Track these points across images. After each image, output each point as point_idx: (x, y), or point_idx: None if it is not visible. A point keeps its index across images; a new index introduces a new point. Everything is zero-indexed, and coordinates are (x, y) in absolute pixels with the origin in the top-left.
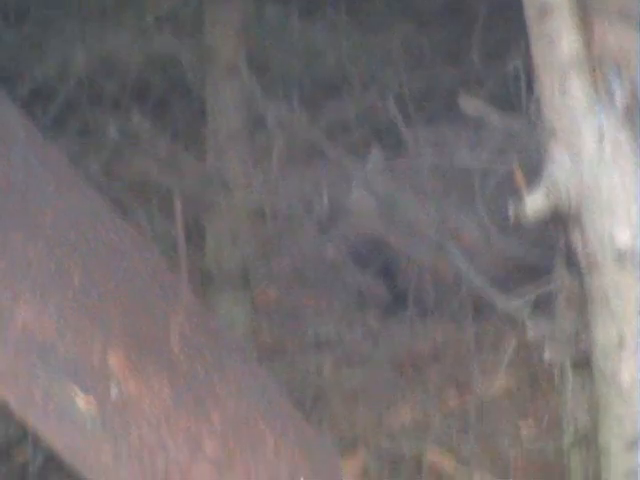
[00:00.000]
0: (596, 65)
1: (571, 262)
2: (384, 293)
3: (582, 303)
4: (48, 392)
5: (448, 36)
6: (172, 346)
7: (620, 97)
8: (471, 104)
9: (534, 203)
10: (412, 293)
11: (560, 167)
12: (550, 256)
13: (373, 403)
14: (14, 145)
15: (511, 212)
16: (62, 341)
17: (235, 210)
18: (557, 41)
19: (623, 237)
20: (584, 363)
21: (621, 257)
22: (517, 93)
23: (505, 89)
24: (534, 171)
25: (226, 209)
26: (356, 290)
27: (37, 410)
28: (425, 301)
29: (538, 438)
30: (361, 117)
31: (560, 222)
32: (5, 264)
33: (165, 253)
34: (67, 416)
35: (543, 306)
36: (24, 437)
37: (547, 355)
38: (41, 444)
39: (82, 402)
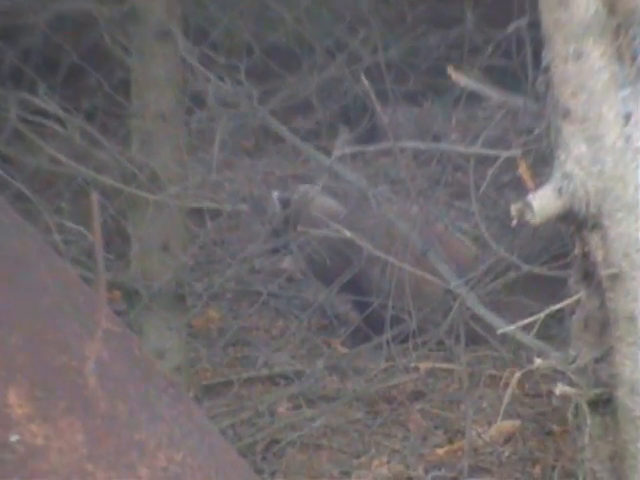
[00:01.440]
0: (621, 28)
1: (588, 274)
2: (353, 313)
3: (603, 325)
4: None
5: None
6: (87, 380)
7: None
8: (463, 76)
9: (543, 201)
10: (389, 313)
11: (575, 156)
12: (562, 266)
13: (340, 452)
14: None
15: (514, 211)
16: None
17: (167, 210)
18: None
19: None
20: (605, 400)
21: None
22: (521, 64)
23: (505, 59)
24: (542, 161)
25: (156, 209)
26: (318, 310)
27: None
28: (405, 323)
29: None
30: (325, 93)
31: (575, 224)
32: None
33: (79, 264)
34: None
35: (554, 329)
36: None
37: (559, 390)
38: None
39: None
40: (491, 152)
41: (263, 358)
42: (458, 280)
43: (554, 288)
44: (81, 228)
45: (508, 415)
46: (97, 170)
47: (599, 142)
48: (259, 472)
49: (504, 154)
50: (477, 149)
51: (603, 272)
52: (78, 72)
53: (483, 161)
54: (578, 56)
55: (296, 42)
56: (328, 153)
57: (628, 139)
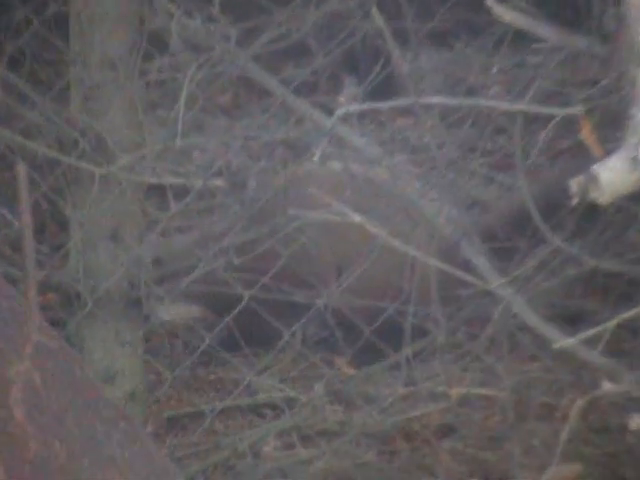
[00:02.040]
0: None
1: None
2: (362, 322)
3: None
4: None
5: None
6: (13, 411)
7: None
8: (507, 10)
9: (612, 173)
10: (409, 321)
11: None
12: (633, 261)
13: None
14: None
15: (574, 187)
16: None
17: (118, 187)
18: None
19: None
20: None
21: None
22: None
23: None
24: (612, 121)
25: (103, 185)
26: (316, 319)
27: None
28: (427, 335)
29: None
30: (325, 33)
31: None
32: None
33: (1, 258)
34: None
35: (627, 343)
36: None
37: (634, 423)
38: None
39: None
40: (544, 110)
41: (244, 381)
42: (500, 279)
43: (627, 290)
44: (3, 211)
45: (567, 456)
46: (25, 135)
47: None
48: None
49: (561, 112)
50: (525, 106)
51: None
52: None
53: (533, 121)
54: None
55: None
56: (329, 112)
57: None
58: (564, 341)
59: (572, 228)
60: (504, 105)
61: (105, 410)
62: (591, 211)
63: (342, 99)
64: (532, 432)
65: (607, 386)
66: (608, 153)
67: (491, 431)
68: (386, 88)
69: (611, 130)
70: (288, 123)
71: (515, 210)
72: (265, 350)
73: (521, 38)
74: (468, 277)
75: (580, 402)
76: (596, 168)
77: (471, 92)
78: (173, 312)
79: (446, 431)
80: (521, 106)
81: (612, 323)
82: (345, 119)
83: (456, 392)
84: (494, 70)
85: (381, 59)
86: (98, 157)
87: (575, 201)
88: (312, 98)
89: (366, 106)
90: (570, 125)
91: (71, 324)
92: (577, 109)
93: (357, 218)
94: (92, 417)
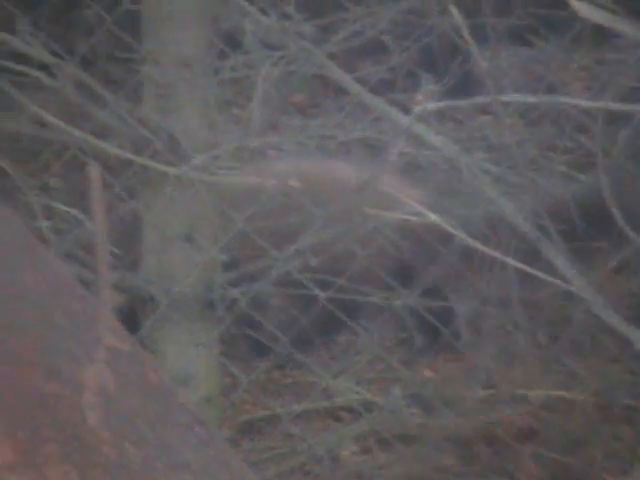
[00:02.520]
0: None
1: None
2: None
3: None
4: None
5: None
6: (86, 417)
7: None
8: (587, 4)
9: None
10: (490, 323)
11: None
12: None
13: None
14: None
15: None
16: None
17: (193, 190)
18: None
19: None
20: None
21: None
22: None
23: None
24: None
25: (176, 187)
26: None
27: None
28: (513, 336)
29: None
30: (402, 30)
31: None
32: None
33: (74, 260)
34: None
35: None
36: None
37: None
38: None
39: None
40: (625, 107)
41: (321, 384)
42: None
43: None
44: (76, 212)
45: None
46: (97, 134)
47: None
48: None
49: None
50: (607, 103)
51: None
52: (71, 3)
53: (615, 119)
54: None
55: None
56: (406, 110)
57: None
58: None
59: None
60: (584, 103)
61: (180, 414)
62: None
63: (419, 97)
64: (615, 435)
65: None
66: None
67: (573, 435)
68: (464, 86)
69: None
70: (364, 122)
71: (594, 208)
72: (339, 351)
73: (601, 34)
74: (549, 278)
75: None
76: None
77: (551, 89)
78: None
79: (528, 435)
80: (601, 103)
81: None
82: (422, 117)
83: (537, 395)
84: (574, 67)
85: (459, 56)
86: (171, 157)
87: None
88: (389, 96)
89: (444, 104)
90: None
91: (145, 327)
92: None
93: (434, 218)
94: (166, 421)
